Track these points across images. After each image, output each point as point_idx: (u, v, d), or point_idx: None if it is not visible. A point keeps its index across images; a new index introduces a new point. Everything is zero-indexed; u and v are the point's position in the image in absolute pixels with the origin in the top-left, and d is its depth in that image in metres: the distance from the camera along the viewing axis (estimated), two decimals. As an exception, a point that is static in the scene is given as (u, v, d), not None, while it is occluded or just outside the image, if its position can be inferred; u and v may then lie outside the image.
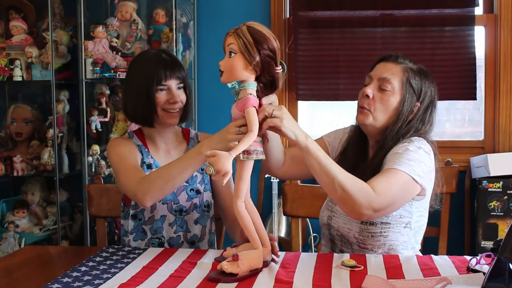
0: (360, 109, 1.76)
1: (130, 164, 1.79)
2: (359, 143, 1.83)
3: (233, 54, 1.43)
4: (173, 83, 1.82)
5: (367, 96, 1.73)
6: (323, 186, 1.57)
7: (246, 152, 1.43)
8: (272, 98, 1.52)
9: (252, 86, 1.46)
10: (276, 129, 1.50)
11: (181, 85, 1.85)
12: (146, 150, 1.88)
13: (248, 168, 1.47)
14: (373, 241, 1.70)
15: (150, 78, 1.79)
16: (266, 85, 1.48)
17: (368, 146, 1.83)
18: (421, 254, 1.73)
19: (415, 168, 1.61)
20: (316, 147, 1.53)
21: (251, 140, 1.41)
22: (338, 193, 1.53)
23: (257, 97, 1.48)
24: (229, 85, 1.47)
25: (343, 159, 1.80)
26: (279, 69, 1.47)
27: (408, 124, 1.73)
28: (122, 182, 1.77)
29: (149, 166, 1.86)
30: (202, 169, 1.90)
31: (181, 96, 1.84)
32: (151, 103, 1.79)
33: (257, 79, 1.46)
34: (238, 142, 1.45)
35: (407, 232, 1.72)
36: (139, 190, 1.68)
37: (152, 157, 1.87)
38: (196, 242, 1.89)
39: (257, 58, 1.42)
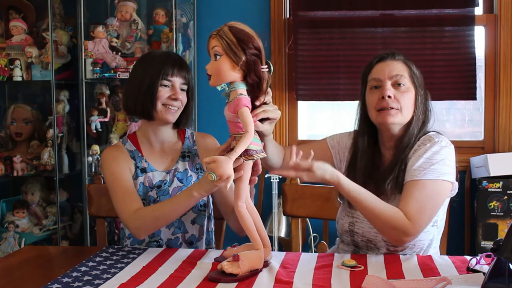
0: (383, 111, 1.71)
1: (124, 188, 1.80)
2: (368, 149, 1.79)
3: (218, 57, 1.42)
4: (177, 81, 1.82)
5: (389, 97, 1.70)
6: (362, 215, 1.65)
7: (246, 153, 1.42)
8: (267, 97, 1.52)
9: (241, 86, 1.45)
10: None
11: (185, 86, 1.85)
12: (140, 154, 1.88)
13: (247, 169, 1.46)
14: None
15: (156, 72, 1.80)
16: (253, 86, 1.46)
17: (380, 148, 1.80)
18: (439, 251, 1.75)
19: (441, 171, 1.62)
20: (347, 183, 1.57)
21: (248, 141, 1.40)
22: (374, 224, 1.62)
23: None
24: (219, 87, 1.47)
25: (353, 169, 1.79)
26: (265, 67, 1.46)
27: (422, 115, 1.74)
28: (116, 209, 1.80)
29: (143, 170, 1.85)
30: (197, 168, 1.90)
31: (183, 97, 1.84)
32: (152, 96, 1.79)
33: (244, 80, 1.45)
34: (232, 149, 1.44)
35: (434, 230, 1.72)
36: (131, 225, 1.74)
37: (146, 161, 1.87)
38: (195, 242, 1.88)
39: (243, 58, 1.42)
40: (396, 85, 1.72)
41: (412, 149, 1.69)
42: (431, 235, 1.72)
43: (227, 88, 1.46)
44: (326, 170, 1.55)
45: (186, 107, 1.88)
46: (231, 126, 1.47)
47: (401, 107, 1.71)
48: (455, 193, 1.73)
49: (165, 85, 1.81)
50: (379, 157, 1.79)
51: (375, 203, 1.58)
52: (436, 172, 1.62)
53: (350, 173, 1.77)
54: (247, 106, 1.43)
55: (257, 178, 1.55)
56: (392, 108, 1.70)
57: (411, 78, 1.73)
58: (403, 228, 1.57)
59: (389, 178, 1.68)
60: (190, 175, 1.88)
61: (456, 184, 1.71)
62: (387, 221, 1.58)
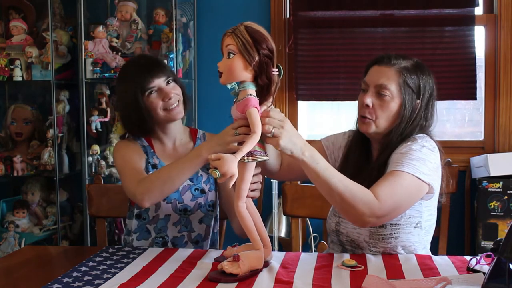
0: (362, 119, 1.74)
1: (132, 166, 1.80)
2: (361, 147, 1.81)
3: (232, 55, 1.42)
4: (160, 82, 1.82)
5: (367, 105, 1.71)
6: (324, 196, 1.56)
7: (250, 154, 1.43)
8: (268, 104, 1.51)
9: (251, 87, 1.45)
10: None
11: (169, 78, 1.84)
12: (152, 150, 1.89)
13: (250, 169, 1.47)
14: (385, 243, 1.68)
15: (134, 87, 1.79)
16: (262, 88, 1.46)
17: (371, 148, 1.82)
18: (430, 254, 1.73)
19: (419, 168, 1.59)
20: (314, 160, 1.50)
21: (255, 141, 1.41)
22: (338, 203, 1.53)
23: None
24: (229, 86, 1.46)
25: (345, 165, 1.79)
26: (275, 70, 1.46)
27: (412, 123, 1.71)
28: (124, 184, 1.78)
29: (154, 166, 1.86)
30: (208, 169, 1.90)
31: (175, 89, 1.83)
32: (143, 112, 1.79)
33: (254, 81, 1.46)
34: (239, 144, 1.45)
35: (418, 232, 1.70)
36: (138, 191, 1.69)
37: (157, 158, 1.87)
38: (200, 242, 1.89)
39: (257, 58, 1.42)
40: (378, 94, 1.71)
41: (395, 151, 1.68)
42: (415, 237, 1.70)
43: (237, 87, 1.46)
44: (296, 144, 1.48)
45: (182, 94, 1.87)
46: None
47: (377, 117, 1.71)
48: (432, 197, 1.70)
49: (151, 92, 1.80)
50: (369, 157, 1.81)
51: (343, 179, 1.53)
52: (413, 167, 1.59)
53: (343, 167, 1.77)
54: (256, 107, 1.43)
55: (260, 185, 1.57)
56: (366, 118, 1.72)
57: (400, 88, 1.69)
58: (370, 204, 1.51)
59: (367, 181, 1.65)
60: (201, 174, 1.89)
61: (436, 190, 1.68)
62: (353, 195, 1.50)
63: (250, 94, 1.44)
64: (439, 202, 1.76)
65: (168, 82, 1.83)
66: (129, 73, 1.84)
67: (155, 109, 1.80)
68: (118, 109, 1.88)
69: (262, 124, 1.44)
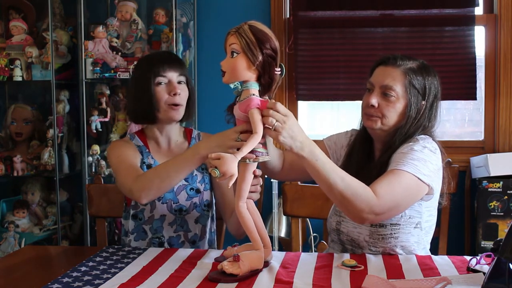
0: (367, 116, 1.74)
1: (128, 164, 1.79)
2: (364, 146, 1.81)
3: (235, 54, 1.42)
4: (173, 76, 1.82)
5: (372, 106, 1.71)
6: (325, 192, 1.56)
7: (252, 154, 1.43)
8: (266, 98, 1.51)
9: (254, 86, 1.45)
10: None
11: (182, 78, 1.84)
12: (147, 150, 1.89)
13: (250, 170, 1.46)
14: (384, 243, 1.68)
15: (148, 72, 1.80)
16: (264, 87, 1.46)
17: (374, 148, 1.82)
18: (430, 254, 1.73)
19: (420, 168, 1.60)
20: (313, 156, 1.50)
21: (256, 142, 1.40)
22: (338, 199, 1.53)
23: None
24: (232, 85, 1.46)
25: (348, 163, 1.80)
26: (278, 70, 1.46)
27: (416, 124, 1.72)
28: (120, 181, 1.77)
29: (149, 166, 1.86)
30: (203, 168, 1.90)
31: (183, 90, 1.84)
32: (151, 99, 1.79)
33: (257, 80, 1.45)
34: (238, 149, 1.45)
35: (417, 232, 1.70)
36: (135, 187, 1.69)
37: (152, 158, 1.87)
38: (197, 242, 1.89)
39: (260, 58, 1.41)
40: (384, 94, 1.71)
41: (396, 151, 1.68)
42: (415, 237, 1.70)
43: (240, 87, 1.46)
44: (295, 140, 1.46)
45: (189, 100, 1.87)
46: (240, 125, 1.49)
47: (383, 115, 1.71)
48: (432, 198, 1.70)
49: (161, 83, 1.81)
50: (371, 156, 1.81)
51: (343, 175, 1.53)
52: (414, 167, 1.59)
53: (345, 166, 1.78)
54: (258, 107, 1.43)
55: (259, 188, 1.57)
56: (372, 116, 1.72)
57: (406, 88, 1.70)
58: (368, 201, 1.51)
59: (368, 180, 1.64)
60: (196, 174, 1.89)
61: (436, 192, 1.68)
62: (353, 191, 1.50)
63: (253, 94, 1.43)
64: (439, 203, 1.76)
65: (180, 82, 1.84)
66: (148, 61, 1.85)
67: (160, 100, 1.80)
68: (128, 94, 1.88)
69: (265, 116, 1.43)
